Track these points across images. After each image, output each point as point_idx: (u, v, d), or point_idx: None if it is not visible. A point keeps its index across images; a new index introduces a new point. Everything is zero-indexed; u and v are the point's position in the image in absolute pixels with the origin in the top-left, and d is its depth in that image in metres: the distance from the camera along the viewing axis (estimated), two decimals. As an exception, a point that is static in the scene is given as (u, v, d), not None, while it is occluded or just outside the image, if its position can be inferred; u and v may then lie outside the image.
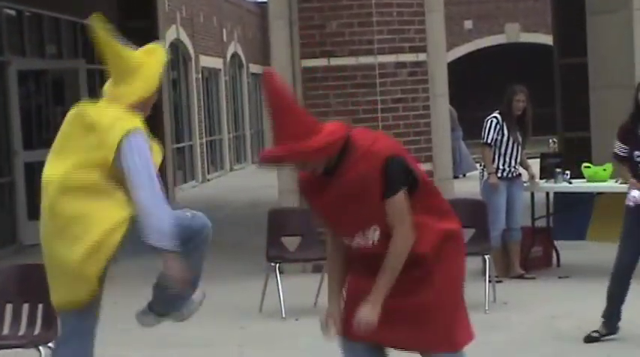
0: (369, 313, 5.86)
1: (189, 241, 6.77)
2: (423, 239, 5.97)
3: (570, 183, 13.27)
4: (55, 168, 6.66)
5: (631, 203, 9.63)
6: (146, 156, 6.52)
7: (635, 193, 9.56)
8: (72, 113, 6.79)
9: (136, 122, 6.58)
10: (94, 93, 18.73)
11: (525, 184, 13.47)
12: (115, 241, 6.52)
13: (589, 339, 9.78)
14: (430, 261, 6.00)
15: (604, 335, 9.79)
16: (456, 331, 6.08)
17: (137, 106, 6.69)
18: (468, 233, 12.20)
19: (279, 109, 5.86)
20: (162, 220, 6.48)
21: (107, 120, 6.56)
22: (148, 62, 6.74)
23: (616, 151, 10.06)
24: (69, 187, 6.54)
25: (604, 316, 9.86)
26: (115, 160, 6.48)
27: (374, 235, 5.97)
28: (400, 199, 5.88)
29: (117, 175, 6.53)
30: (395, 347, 6.16)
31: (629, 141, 9.88)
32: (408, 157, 6.10)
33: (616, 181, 12.61)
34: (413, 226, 5.91)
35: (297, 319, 11.35)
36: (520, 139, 13.17)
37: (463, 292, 6.17)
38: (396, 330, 6.04)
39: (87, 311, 6.78)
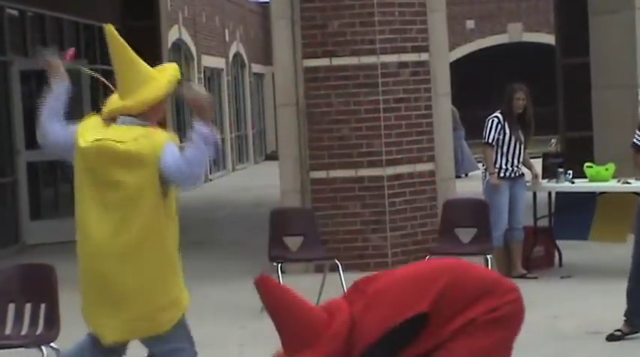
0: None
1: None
2: None
3: (572, 183, 13.26)
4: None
5: None
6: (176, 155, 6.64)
7: None
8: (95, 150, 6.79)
9: (166, 136, 6.72)
10: (96, 93, 18.79)
11: (528, 184, 13.48)
12: None
13: (612, 338, 9.76)
14: None
15: (627, 334, 9.76)
16: None
17: (147, 115, 6.74)
18: (470, 233, 12.23)
19: (278, 314, 5.96)
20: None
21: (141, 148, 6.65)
22: (159, 76, 6.78)
23: (635, 141, 10.02)
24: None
25: (626, 314, 9.82)
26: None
27: None
28: None
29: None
30: None
31: None
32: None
33: (618, 181, 12.61)
34: None
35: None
36: (522, 138, 13.16)
37: None
38: None
39: None
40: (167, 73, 6.81)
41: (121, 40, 6.75)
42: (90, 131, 6.83)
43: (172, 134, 6.87)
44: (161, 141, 6.64)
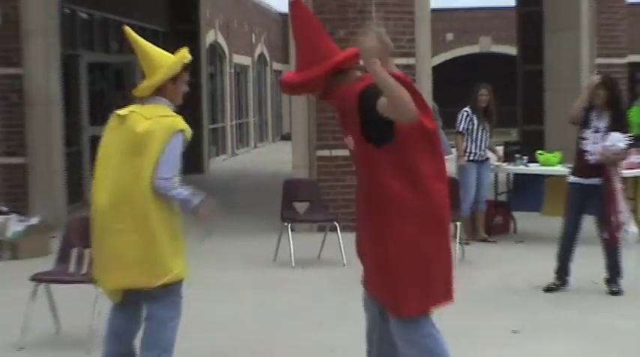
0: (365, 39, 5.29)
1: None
2: (391, 199, 5.30)
3: (527, 166, 13.25)
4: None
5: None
6: (178, 151, 6.38)
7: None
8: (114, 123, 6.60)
9: (178, 123, 6.43)
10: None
11: (491, 166, 13.49)
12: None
13: (548, 289, 9.86)
14: (393, 217, 5.30)
15: (558, 286, 9.88)
16: (404, 298, 5.35)
17: (162, 94, 6.53)
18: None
19: (300, 38, 5.62)
20: (179, 193, 6.36)
21: (155, 127, 6.39)
22: (170, 59, 6.57)
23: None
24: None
25: (556, 273, 9.91)
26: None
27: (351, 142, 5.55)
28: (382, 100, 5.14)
29: None
30: (372, 297, 5.63)
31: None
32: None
33: (563, 166, 12.59)
34: (414, 107, 5.10)
35: (303, 268, 11.35)
36: (487, 127, 13.17)
37: (423, 266, 5.36)
38: (368, 275, 5.58)
39: None
40: (175, 57, 6.56)
41: (135, 35, 6.59)
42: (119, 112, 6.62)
43: (183, 123, 6.50)
44: (174, 127, 6.39)
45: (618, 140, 9.47)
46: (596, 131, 9.66)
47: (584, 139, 9.74)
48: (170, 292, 6.44)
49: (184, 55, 6.59)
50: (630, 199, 12.97)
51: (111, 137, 6.54)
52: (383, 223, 5.34)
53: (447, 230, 5.52)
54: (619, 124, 9.66)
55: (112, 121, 6.58)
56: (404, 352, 5.45)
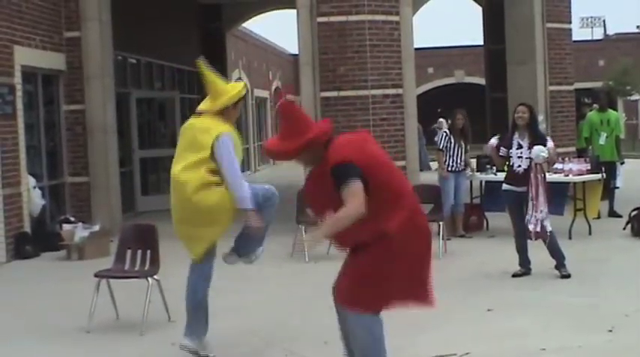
0: (311, 233, 5.23)
1: (266, 201, 6.89)
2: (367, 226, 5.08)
3: (495, 175, 13.22)
4: (178, 168, 6.71)
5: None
6: (229, 150, 6.57)
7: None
8: (184, 127, 6.90)
9: (224, 127, 6.64)
10: (184, 111, 18.83)
11: (467, 175, 13.49)
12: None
13: (515, 275, 9.89)
14: (370, 240, 5.14)
15: (523, 273, 9.91)
16: (360, 296, 5.21)
17: (223, 116, 6.73)
18: (428, 207, 12.21)
19: (281, 116, 5.35)
20: (242, 191, 6.57)
21: (205, 128, 6.66)
22: (231, 90, 6.82)
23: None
24: (195, 185, 6.58)
25: (520, 263, 9.93)
26: (211, 155, 6.57)
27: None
28: (349, 186, 4.99)
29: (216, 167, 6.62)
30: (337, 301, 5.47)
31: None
32: (361, 160, 5.11)
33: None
34: (362, 205, 4.95)
35: (315, 262, 11.35)
36: (463, 145, 13.19)
37: (380, 274, 5.18)
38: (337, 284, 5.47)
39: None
40: (236, 90, 6.83)
41: (205, 68, 6.84)
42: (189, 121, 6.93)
43: (233, 130, 6.76)
44: (221, 130, 6.61)
45: (541, 151, 9.63)
46: (519, 148, 9.82)
47: (510, 156, 9.94)
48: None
49: (242, 89, 6.89)
50: (579, 199, 12.99)
51: (181, 138, 6.85)
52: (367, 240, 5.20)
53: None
54: (539, 139, 9.87)
55: (183, 128, 6.91)
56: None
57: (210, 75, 6.82)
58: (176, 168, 6.70)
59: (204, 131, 6.63)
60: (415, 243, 5.24)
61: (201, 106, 6.87)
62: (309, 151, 5.23)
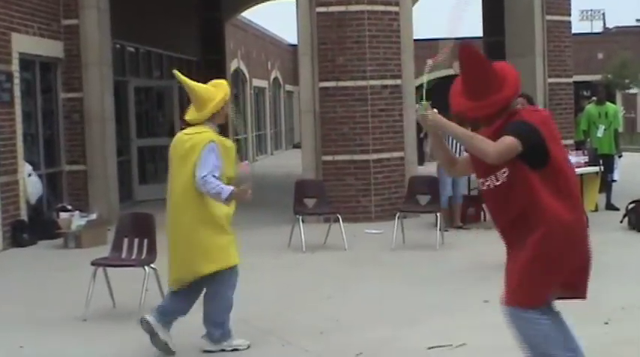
0: (431, 114, 4.83)
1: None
2: (535, 211, 4.53)
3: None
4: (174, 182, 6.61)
5: None
6: (210, 154, 6.44)
7: None
8: (174, 144, 6.73)
9: (211, 136, 6.53)
10: (182, 101, 18.83)
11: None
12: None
13: None
14: (533, 231, 4.58)
15: None
16: (529, 290, 4.67)
17: (212, 121, 6.65)
18: (426, 198, 12.22)
19: (469, 70, 4.79)
20: (209, 189, 6.38)
21: (194, 142, 6.52)
22: (216, 95, 6.66)
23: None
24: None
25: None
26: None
27: (502, 176, 4.58)
28: (509, 139, 4.42)
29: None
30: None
31: None
32: (542, 128, 4.55)
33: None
34: (501, 155, 4.42)
35: (312, 252, 11.35)
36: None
37: (545, 268, 4.63)
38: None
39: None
40: (220, 94, 6.66)
41: (184, 77, 6.67)
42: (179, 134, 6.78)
43: (220, 137, 6.65)
44: (207, 138, 6.49)
45: None
46: None
47: None
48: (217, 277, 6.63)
49: (227, 91, 6.73)
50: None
51: (173, 154, 6.68)
52: (531, 232, 4.61)
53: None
54: None
55: (174, 141, 6.72)
56: None
57: (190, 83, 6.66)
58: (176, 191, 6.56)
59: (192, 150, 6.48)
60: (582, 233, 4.70)
61: (189, 116, 6.73)
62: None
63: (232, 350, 6.78)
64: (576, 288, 4.82)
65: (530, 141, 4.47)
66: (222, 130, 6.93)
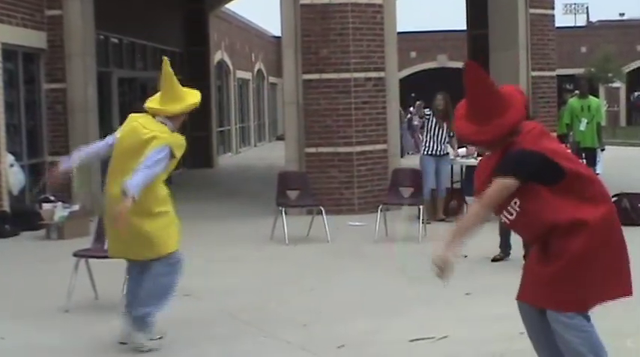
0: (437, 250, 4.75)
1: None
2: (560, 215, 4.45)
3: (476, 159, 13.25)
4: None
5: None
6: (157, 156, 6.38)
7: None
8: (129, 128, 6.68)
9: (169, 135, 6.50)
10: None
11: (450, 159, 13.56)
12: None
13: (494, 259, 9.96)
14: (563, 239, 4.47)
15: (502, 258, 9.99)
16: (567, 294, 4.51)
17: (173, 120, 6.61)
18: (409, 191, 12.23)
19: (473, 92, 4.52)
20: (137, 180, 6.24)
21: (152, 136, 6.48)
22: (190, 98, 6.67)
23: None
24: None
25: (500, 246, 9.97)
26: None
27: (514, 207, 4.55)
28: (499, 182, 4.39)
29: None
30: (527, 302, 4.82)
31: None
32: (549, 153, 4.48)
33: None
34: (487, 209, 4.53)
35: (295, 245, 11.35)
36: (445, 128, 13.23)
37: (581, 268, 4.51)
38: (526, 287, 4.81)
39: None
40: (192, 98, 6.67)
41: (170, 69, 6.64)
42: (126, 123, 6.80)
43: (175, 138, 6.58)
44: (163, 140, 6.45)
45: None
46: None
47: None
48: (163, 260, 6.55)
49: (197, 103, 6.71)
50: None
51: (123, 140, 6.64)
52: (559, 240, 4.53)
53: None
54: None
55: (126, 126, 6.71)
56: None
57: (173, 76, 6.62)
58: (115, 186, 6.43)
59: (150, 142, 6.42)
60: (615, 232, 4.63)
61: (151, 105, 6.67)
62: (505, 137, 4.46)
63: (148, 351, 6.56)
64: (619, 285, 4.67)
65: (526, 170, 4.41)
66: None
